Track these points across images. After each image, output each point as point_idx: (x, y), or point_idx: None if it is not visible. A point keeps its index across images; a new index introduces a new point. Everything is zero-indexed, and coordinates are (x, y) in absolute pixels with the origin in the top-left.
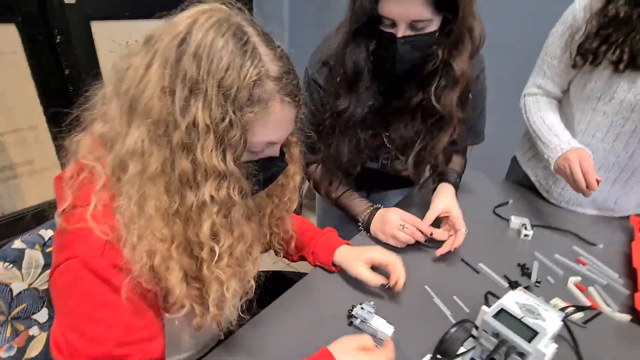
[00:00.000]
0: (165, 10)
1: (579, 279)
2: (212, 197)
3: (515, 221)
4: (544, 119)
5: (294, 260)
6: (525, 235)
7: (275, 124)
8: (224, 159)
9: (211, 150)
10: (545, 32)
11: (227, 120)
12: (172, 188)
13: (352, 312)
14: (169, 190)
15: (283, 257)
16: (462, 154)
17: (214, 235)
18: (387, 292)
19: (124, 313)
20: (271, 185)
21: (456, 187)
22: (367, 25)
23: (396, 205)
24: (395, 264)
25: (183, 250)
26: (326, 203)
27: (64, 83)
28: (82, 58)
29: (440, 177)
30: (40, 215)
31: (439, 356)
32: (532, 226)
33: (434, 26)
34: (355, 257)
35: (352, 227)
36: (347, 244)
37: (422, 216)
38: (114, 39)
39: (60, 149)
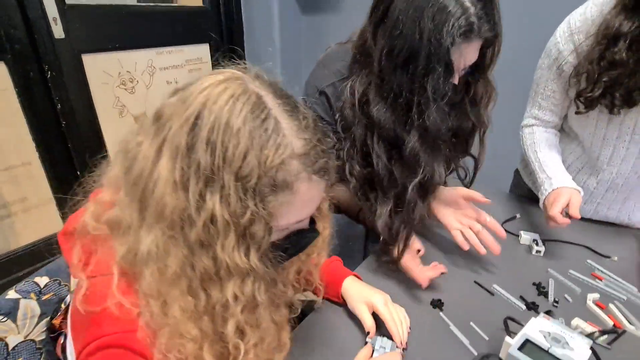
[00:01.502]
0: (153, 41)
1: (597, 296)
2: (235, 296)
3: (526, 237)
4: (537, 153)
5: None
6: (537, 252)
7: (303, 204)
8: (248, 255)
9: (232, 248)
10: (549, 35)
11: (248, 213)
12: (195, 287)
13: (368, 342)
14: (192, 290)
15: None
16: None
17: (240, 332)
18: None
19: None
20: None
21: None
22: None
23: None
24: (393, 323)
25: (214, 344)
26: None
27: (57, 118)
28: (74, 92)
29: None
30: (37, 254)
31: None
32: (544, 242)
33: None
34: (357, 294)
35: (355, 247)
36: (354, 275)
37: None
38: (105, 71)
39: (54, 185)
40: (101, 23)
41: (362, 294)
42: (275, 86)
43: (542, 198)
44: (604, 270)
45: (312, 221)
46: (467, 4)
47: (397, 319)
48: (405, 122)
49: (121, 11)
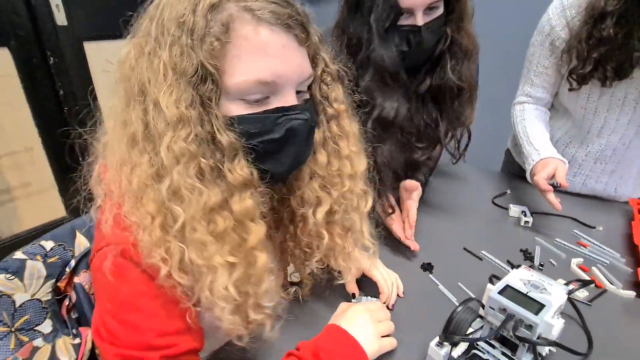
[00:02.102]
0: None
1: (581, 260)
2: (168, 149)
3: (515, 209)
4: (526, 128)
5: None
6: (526, 222)
7: (254, 53)
8: (182, 105)
9: (168, 93)
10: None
11: (185, 54)
12: (147, 146)
13: (354, 300)
14: (146, 150)
15: None
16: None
17: (175, 195)
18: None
19: (162, 302)
20: (323, 172)
21: (424, 185)
22: (393, 21)
23: None
24: (384, 282)
25: (164, 216)
26: None
27: (59, 104)
28: (76, 78)
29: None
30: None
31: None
32: (532, 213)
33: (442, 8)
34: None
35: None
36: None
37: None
38: (106, 59)
39: (56, 171)
40: (103, 10)
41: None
42: None
43: (529, 169)
44: (589, 239)
45: (310, 108)
46: None
47: (389, 280)
48: (360, 62)
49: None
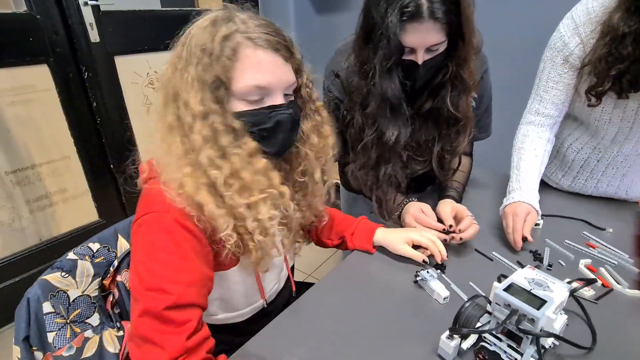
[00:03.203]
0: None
1: (589, 261)
2: (201, 134)
3: None
4: (520, 161)
5: (331, 245)
6: (536, 225)
7: (253, 68)
8: (208, 104)
9: (198, 97)
10: (550, 33)
11: (209, 72)
12: (182, 133)
13: (418, 273)
14: (180, 135)
15: (316, 243)
16: (469, 154)
17: (212, 164)
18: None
19: (176, 258)
20: (316, 148)
21: (459, 200)
22: (396, 59)
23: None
24: (433, 246)
25: (206, 183)
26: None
27: (92, 115)
28: (107, 91)
29: (441, 193)
30: (75, 241)
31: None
32: (542, 216)
33: (444, 45)
34: (396, 238)
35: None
36: (383, 226)
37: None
38: (135, 71)
39: (90, 177)
40: (131, 27)
41: (400, 235)
42: (254, 13)
43: (505, 203)
44: (599, 240)
45: (295, 105)
46: None
47: (431, 241)
48: (367, 90)
49: (149, 15)
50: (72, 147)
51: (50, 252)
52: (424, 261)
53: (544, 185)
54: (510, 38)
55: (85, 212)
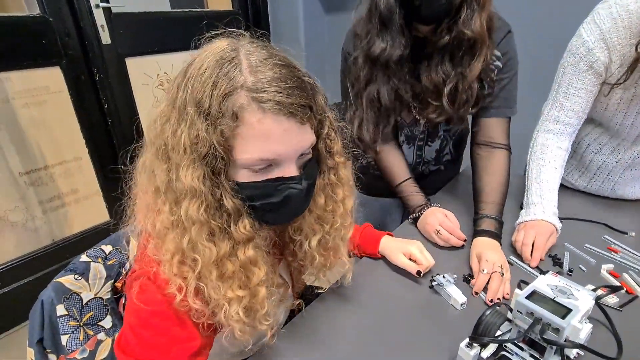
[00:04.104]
0: (188, 43)
1: (611, 266)
2: (187, 213)
3: None
4: (541, 173)
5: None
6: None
7: (259, 138)
8: (199, 179)
9: (188, 169)
10: (565, 39)
11: (204, 139)
12: (170, 201)
13: (434, 277)
14: (169, 204)
15: None
16: (505, 146)
17: (193, 249)
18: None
19: (173, 324)
20: (320, 211)
21: (497, 232)
22: None
23: (438, 194)
24: (427, 263)
25: (181, 259)
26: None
27: (104, 117)
28: (118, 92)
29: (475, 221)
30: (86, 241)
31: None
32: (561, 219)
33: None
34: (396, 249)
35: (393, 218)
36: (389, 234)
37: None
38: (145, 72)
39: (101, 178)
40: (142, 29)
41: (398, 246)
42: (261, 42)
43: (525, 217)
44: (621, 245)
45: (308, 175)
46: None
47: (427, 260)
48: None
49: (159, 17)
50: (83, 148)
51: (62, 252)
52: (417, 272)
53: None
54: (524, 39)
55: (97, 212)
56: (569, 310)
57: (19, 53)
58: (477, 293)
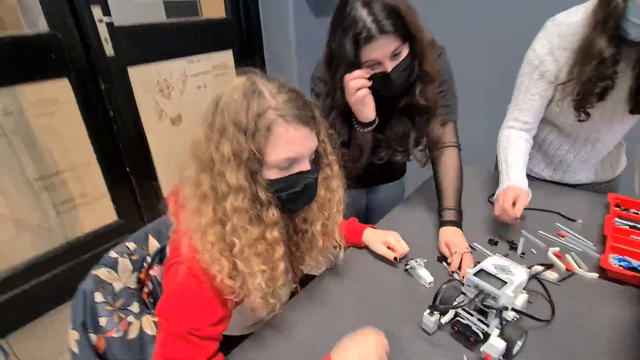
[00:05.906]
0: (185, 51)
1: (557, 249)
2: (231, 205)
3: None
4: (507, 156)
5: None
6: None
7: (285, 142)
8: (241, 178)
9: (232, 172)
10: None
11: (243, 149)
12: (213, 202)
13: (408, 262)
14: (212, 205)
15: None
16: (455, 145)
17: (234, 232)
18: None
19: (202, 302)
20: (322, 200)
21: (458, 221)
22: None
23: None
24: (400, 246)
25: (224, 247)
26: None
27: (109, 124)
28: (122, 100)
29: (440, 213)
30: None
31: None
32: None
33: (406, 50)
34: (376, 239)
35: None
36: (371, 226)
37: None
38: (146, 80)
39: (108, 181)
40: (142, 39)
41: (379, 237)
42: (270, 77)
43: (497, 192)
44: (569, 231)
45: (317, 170)
46: (364, 15)
47: (402, 247)
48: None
49: (157, 27)
50: (91, 154)
51: (73, 252)
52: (395, 258)
53: (527, 178)
54: (500, 43)
55: (105, 213)
56: (504, 283)
57: (31, 68)
58: (453, 272)
